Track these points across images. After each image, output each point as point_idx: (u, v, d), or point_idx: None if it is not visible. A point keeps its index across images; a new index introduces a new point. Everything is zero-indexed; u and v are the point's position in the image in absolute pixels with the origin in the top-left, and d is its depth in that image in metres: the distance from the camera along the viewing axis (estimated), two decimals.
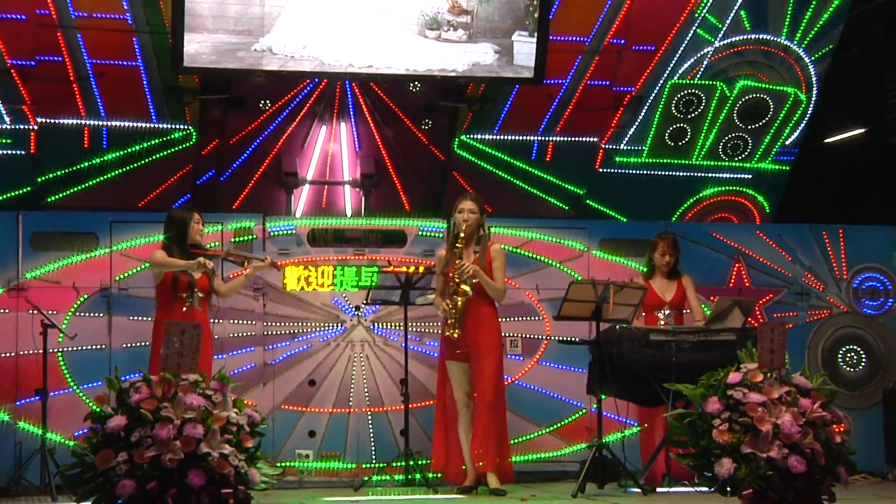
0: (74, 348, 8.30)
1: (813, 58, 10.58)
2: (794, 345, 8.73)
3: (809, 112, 10.72)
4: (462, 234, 7.61)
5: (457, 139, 10.49)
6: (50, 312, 7.96)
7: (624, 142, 10.58)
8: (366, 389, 8.73)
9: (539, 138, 10.52)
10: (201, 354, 5.56)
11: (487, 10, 9.55)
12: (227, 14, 9.13)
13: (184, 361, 5.36)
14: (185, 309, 7.53)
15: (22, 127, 9.49)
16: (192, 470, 5.05)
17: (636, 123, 10.53)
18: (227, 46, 9.21)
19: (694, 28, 10.28)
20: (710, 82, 10.43)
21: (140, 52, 9.61)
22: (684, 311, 8.30)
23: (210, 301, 7.78)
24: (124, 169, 9.94)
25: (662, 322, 8.13)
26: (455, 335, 7.59)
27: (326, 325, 8.77)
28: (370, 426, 8.71)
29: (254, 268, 7.89)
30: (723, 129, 10.58)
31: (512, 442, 8.34)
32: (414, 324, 8.62)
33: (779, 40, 10.52)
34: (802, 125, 10.78)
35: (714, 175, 10.80)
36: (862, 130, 12.18)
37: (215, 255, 7.86)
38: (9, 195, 9.57)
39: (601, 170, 10.66)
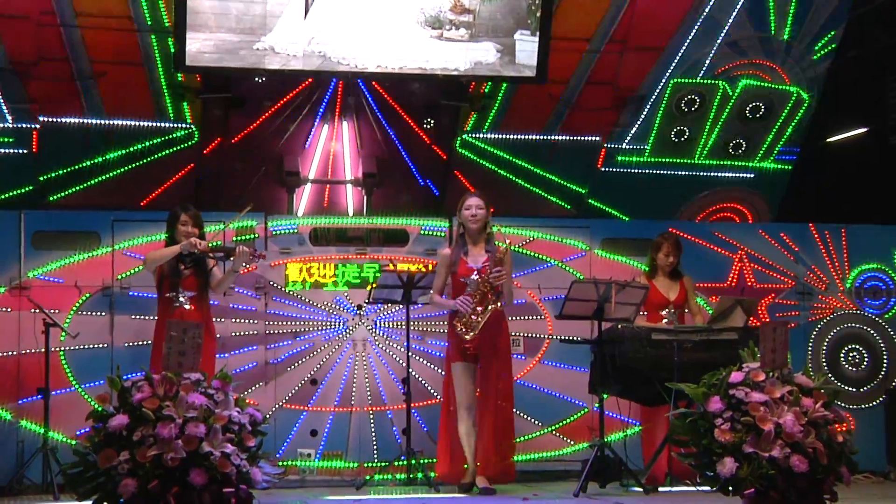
0: (76, 347, 8.30)
1: (814, 58, 10.58)
2: (797, 344, 8.70)
3: (811, 112, 10.72)
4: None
5: (459, 138, 10.49)
6: (52, 311, 7.97)
7: (626, 141, 10.58)
8: (367, 388, 8.73)
9: (541, 137, 10.51)
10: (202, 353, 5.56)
11: (489, 9, 9.54)
12: (229, 13, 9.14)
13: (185, 360, 5.37)
14: (173, 308, 7.47)
15: (24, 126, 9.50)
16: (194, 469, 5.05)
17: (638, 123, 10.53)
18: (229, 45, 9.21)
19: (696, 27, 10.27)
20: (712, 82, 10.43)
21: (142, 51, 9.61)
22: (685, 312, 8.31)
23: (206, 299, 7.72)
24: (126, 168, 9.95)
25: (665, 321, 8.12)
26: (471, 336, 7.56)
27: (328, 324, 8.76)
28: (372, 425, 8.71)
29: (240, 251, 7.58)
30: (725, 128, 10.58)
31: (514, 441, 8.34)
32: (416, 323, 8.62)
33: (780, 40, 10.51)
34: (804, 125, 10.78)
35: (716, 174, 10.80)
36: (863, 130, 12.17)
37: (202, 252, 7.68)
38: (11, 194, 9.58)
39: (603, 169, 10.66)
